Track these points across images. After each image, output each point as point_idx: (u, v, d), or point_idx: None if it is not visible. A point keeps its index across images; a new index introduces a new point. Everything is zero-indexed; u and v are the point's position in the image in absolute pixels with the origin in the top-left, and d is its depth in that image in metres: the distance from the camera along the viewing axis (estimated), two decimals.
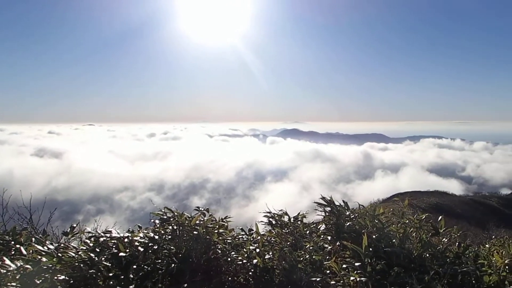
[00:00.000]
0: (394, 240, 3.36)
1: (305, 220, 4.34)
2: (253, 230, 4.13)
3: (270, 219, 4.23)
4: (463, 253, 3.33)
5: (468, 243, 3.50)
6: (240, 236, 4.09)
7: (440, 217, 3.64)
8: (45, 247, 3.24)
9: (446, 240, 3.54)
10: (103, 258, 3.26)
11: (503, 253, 3.59)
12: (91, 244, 3.50)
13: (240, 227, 4.30)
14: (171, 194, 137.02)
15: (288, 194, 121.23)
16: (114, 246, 3.48)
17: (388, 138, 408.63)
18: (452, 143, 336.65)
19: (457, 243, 3.46)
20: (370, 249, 3.05)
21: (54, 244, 3.55)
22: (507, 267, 3.33)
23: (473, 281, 3.01)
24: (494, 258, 3.46)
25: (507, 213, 37.59)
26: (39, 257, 3.10)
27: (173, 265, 3.43)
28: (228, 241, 3.88)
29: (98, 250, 3.40)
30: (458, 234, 3.79)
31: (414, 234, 3.48)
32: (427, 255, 3.29)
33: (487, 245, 4.16)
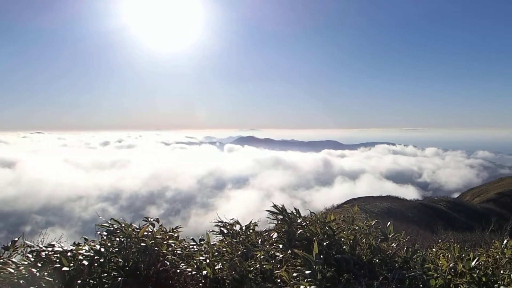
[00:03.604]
0: (344, 247, 3.37)
1: (260, 228, 4.28)
2: (204, 240, 4.02)
3: (222, 229, 4.14)
4: (411, 258, 3.40)
5: (415, 248, 3.57)
6: (190, 247, 3.97)
7: (389, 223, 3.70)
8: None
9: (395, 245, 3.60)
10: (45, 274, 3.10)
11: (449, 256, 3.71)
12: (33, 259, 3.33)
13: (191, 238, 4.18)
14: (128, 204, 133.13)
15: (249, 201, 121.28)
16: (57, 261, 3.32)
17: (343, 144, 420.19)
18: (406, 149, 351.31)
19: (405, 248, 3.52)
20: (321, 256, 3.02)
21: None
22: (452, 270, 3.44)
23: (420, 285, 3.06)
24: (440, 262, 3.56)
25: (454, 216, 39.53)
26: None
27: (119, 278, 3.29)
28: (178, 252, 3.77)
29: (39, 265, 3.24)
30: (407, 239, 3.87)
31: (364, 240, 3.51)
32: (377, 260, 3.32)
33: (434, 249, 4.29)
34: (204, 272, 3.32)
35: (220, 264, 3.37)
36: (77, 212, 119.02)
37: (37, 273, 3.06)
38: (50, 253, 3.44)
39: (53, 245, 3.58)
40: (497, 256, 3.90)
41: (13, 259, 3.34)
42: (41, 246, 3.55)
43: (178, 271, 3.49)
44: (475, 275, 3.29)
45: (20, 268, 3.11)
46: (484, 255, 3.85)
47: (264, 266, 3.23)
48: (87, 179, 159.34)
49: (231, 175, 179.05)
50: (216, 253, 3.58)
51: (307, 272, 2.86)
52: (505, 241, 4.05)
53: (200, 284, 3.40)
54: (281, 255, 3.46)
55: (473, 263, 3.40)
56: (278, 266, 3.28)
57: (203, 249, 3.84)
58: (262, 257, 3.33)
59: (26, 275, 3.01)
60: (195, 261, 3.46)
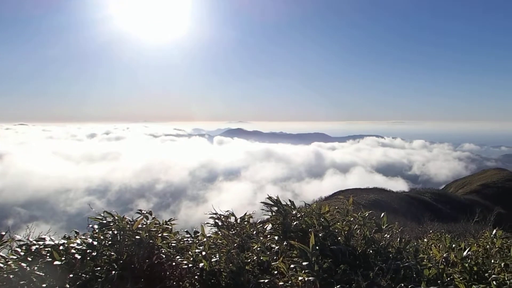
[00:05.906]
0: (339, 238, 3.40)
1: (255, 220, 4.28)
2: (199, 232, 4.00)
3: (217, 221, 4.12)
4: (404, 248, 3.44)
5: (408, 238, 3.62)
6: (185, 239, 3.94)
7: (383, 214, 3.74)
8: None
9: (388, 236, 3.64)
10: (35, 268, 3.04)
11: (440, 246, 3.77)
12: (22, 253, 3.27)
13: (186, 230, 4.15)
14: (116, 197, 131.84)
15: (241, 193, 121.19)
16: (48, 255, 3.26)
17: (331, 137, 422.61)
18: (394, 142, 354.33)
19: (398, 239, 3.56)
20: (317, 247, 3.04)
21: None
22: (444, 260, 3.50)
23: (414, 275, 3.11)
24: (432, 252, 3.62)
25: (439, 207, 40.07)
26: None
27: (113, 272, 3.24)
28: (172, 244, 3.73)
29: (30, 259, 3.19)
30: (399, 230, 3.92)
31: (358, 231, 3.54)
32: (371, 251, 3.36)
33: (425, 240, 4.35)
34: (201, 264, 3.29)
35: (216, 256, 3.36)
36: (62, 206, 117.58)
37: (27, 267, 2.99)
38: (40, 247, 3.36)
39: (44, 239, 3.51)
40: (487, 246, 3.97)
41: (1, 254, 3.28)
42: (31, 240, 3.47)
43: (174, 264, 3.46)
44: (467, 264, 3.34)
45: (9, 262, 3.04)
46: (475, 245, 3.92)
47: (261, 258, 3.24)
48: (75, 171, 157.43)
49: (222, 167, 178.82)
50: (212, 245, 3.57)
51: (304, 263, 2.88)
52: (494, 231, 4.12)
53: (196, 277, 3.38)
54: (276, 247, 3.47)
55: (464, 253, 3.46)
56: (275, 257, 3.29)
57: (198, 241, 3.83)
58: (258, 249, 3.34)
59: (16, 270, 2.95)
60: (190, 254, 3.44)
